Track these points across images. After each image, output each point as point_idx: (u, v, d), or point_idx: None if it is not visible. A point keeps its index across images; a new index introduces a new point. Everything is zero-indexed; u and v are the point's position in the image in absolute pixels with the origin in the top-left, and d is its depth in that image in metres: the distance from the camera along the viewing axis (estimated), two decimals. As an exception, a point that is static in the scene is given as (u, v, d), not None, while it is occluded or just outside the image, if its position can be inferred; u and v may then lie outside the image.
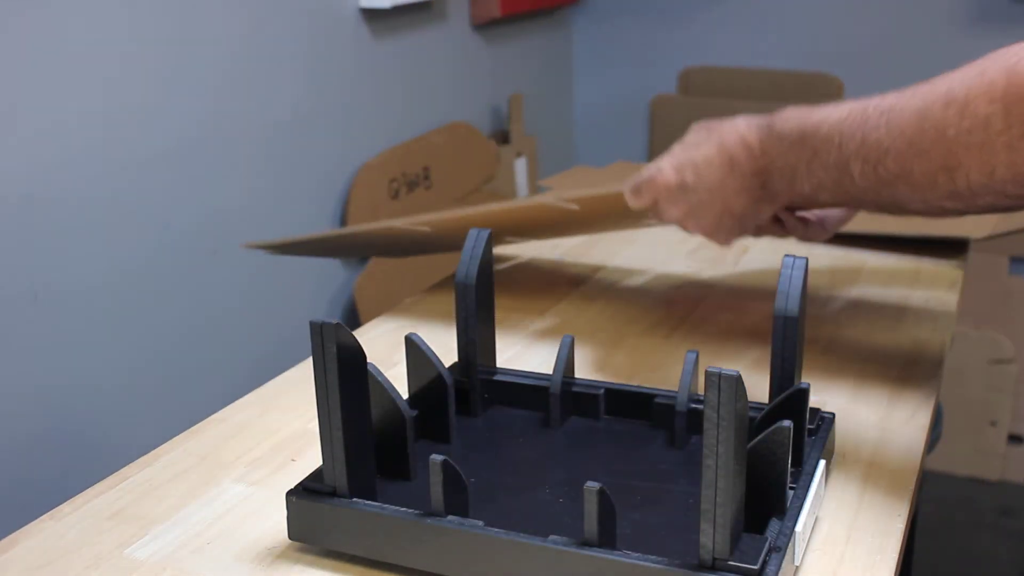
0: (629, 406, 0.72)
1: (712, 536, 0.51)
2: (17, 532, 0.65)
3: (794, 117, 0.71)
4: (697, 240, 1.19)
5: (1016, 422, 2.19)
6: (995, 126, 0.56)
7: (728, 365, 0.70)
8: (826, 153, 0.68)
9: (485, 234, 0.73)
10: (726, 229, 0.79)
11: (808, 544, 0.61)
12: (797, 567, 0.57)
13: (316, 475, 0.61)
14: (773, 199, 0.75)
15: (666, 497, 0.62)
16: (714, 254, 1.17)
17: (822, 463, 0.63)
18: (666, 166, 0.78)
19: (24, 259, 1.33)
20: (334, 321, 0.57)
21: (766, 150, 0.73)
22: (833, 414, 0.69)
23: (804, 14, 2.55)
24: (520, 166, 2.54)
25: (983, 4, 2.37)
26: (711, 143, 0.75)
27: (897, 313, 0.99)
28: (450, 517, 0.57)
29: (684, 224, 0.80)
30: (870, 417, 0.77)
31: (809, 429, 0.66)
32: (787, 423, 0.55)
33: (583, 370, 0.86)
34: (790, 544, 0.55)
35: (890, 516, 0.64)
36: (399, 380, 0.71)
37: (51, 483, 1.34)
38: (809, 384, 0.65)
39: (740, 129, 0.74)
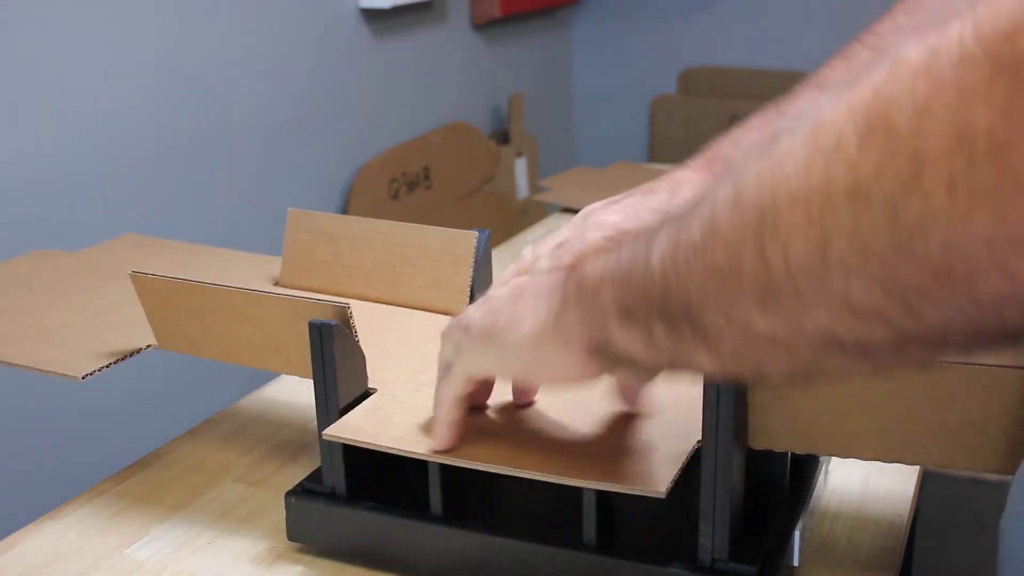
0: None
1: (711, 537, 0.51)
2: (17, 532, 0.65)
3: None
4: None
5: (1016, 422, 2.19)
6: (845, 147, 0.30)
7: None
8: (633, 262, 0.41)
9: (485, 235, 0.73)
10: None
11: (808, 544, 0.61)
12: (796, 567, 0.57)
13: (315, 476, 0.61)
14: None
15: (664, 498, 0.62)
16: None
17: (822, 463, 0.63)
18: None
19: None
20: (333, 322, 0.57)
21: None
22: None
23: (804, 14, 2.55)
24: (520, 166, 2.54)
25: (983, 4, 2.36)
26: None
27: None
28: (449, 519, 0.57)
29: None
30: (870, 417, 0.77)
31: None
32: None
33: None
34: (789, 545, 0.55)
35: (890, 516, 0.64)
36: (399, 380, 0.71)
37: (51, 483, 1.34)
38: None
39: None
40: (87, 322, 0.71)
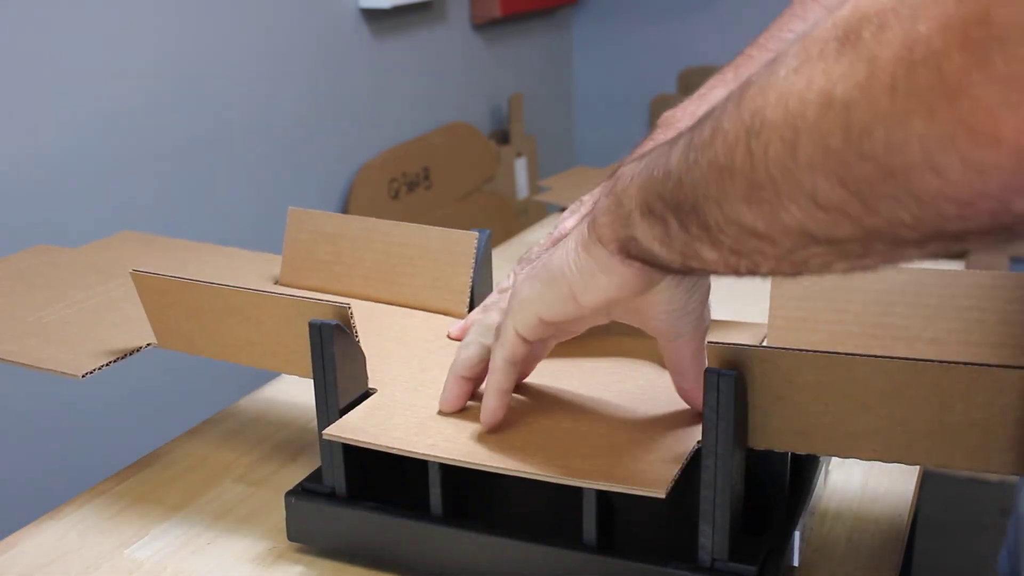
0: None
1: (711, 537, 0.51)
2: (17, 532, 0.65)
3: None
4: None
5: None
6: (826, 55, 0.33)
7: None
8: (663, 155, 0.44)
9: (485, 235, 0.73)
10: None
11: (808, 544, 0.61)
12: (796, 567, 0.57)
13: (315, 476, 0.61)
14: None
15: (664, 498, 0.62)
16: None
17: (822, 463, 0.63)
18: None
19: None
20: (333, 322, 0.57)
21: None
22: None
23: (804, 14, 2.55)
24: (520, 166, 2.54)
25: (983, 4, 2.36)
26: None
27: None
28: (449, 519, 0.57)
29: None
30: (870, 417, 0.77)
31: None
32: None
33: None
34: (789, 545, 0.55)
35: (890, 516, 0.64)
36: (399, 380, 0.71)
37: (51, 483, 1.34)
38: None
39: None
40: (87, 320, 0.71)
